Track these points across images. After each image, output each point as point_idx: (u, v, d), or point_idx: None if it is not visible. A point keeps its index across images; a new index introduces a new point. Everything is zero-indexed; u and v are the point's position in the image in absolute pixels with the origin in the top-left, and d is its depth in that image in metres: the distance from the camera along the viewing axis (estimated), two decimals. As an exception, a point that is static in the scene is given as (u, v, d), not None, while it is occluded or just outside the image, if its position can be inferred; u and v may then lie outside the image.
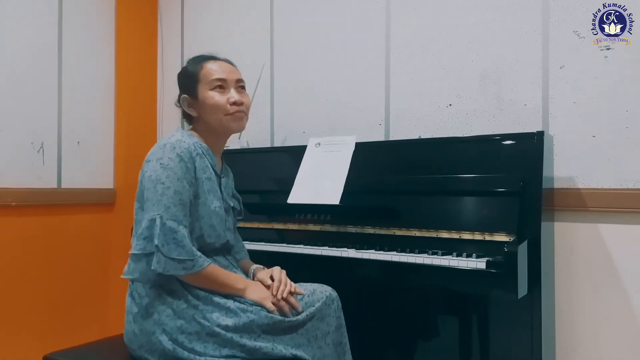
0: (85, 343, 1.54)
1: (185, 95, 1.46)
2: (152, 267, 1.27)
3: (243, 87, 1.50)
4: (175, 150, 1.33)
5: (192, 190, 1.35)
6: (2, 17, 2.21)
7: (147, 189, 1.32)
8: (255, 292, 1.36)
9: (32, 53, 2.31)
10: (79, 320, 2.47)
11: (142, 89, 2.78)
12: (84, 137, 2.52)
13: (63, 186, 2.43)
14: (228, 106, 1.42)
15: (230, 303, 1.32)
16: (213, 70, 1.44)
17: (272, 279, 1.42)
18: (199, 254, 1.31)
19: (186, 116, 1.51)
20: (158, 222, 1.27)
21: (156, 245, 1.26)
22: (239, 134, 2.30)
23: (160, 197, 1.29)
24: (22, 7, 2.28)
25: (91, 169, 2.55)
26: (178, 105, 1.50)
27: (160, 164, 1.32)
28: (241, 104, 1.44)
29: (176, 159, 1.32)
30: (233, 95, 1.43)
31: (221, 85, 1.43)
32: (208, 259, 1.33)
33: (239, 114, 1.45)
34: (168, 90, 2.77)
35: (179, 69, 1.55)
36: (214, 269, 1.34)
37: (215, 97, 1.42)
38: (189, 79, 1.46)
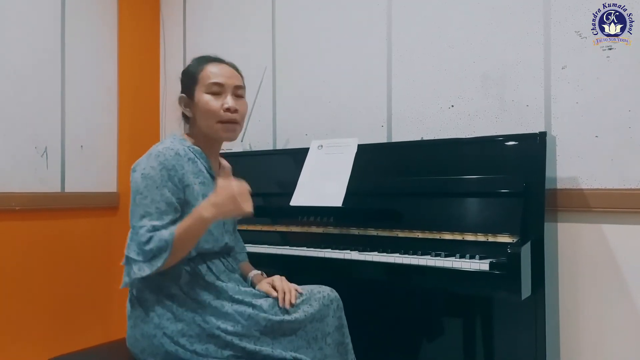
0: (88, 347, 1.54)
1: (183, 95, 1.45)
2: (133, 276, 1.26)
3: (242, 95, 1.45)
4: (158, 158, 1.31)
5: (180, 196, 1.31)
6: (5, 22, 2.22)
7: (130, 201, 1.33)
8: (218, 204, 1.26)
9: (35, 58, 2.33)
10: (82, 324, 2.48)
11: (145, 93, 2.79)
12: (88, 141, 2.53)
13: (67, 190, 2.44)
14: (221, 112, 1.38)
15: (228, 307, 1.32)
16: (212, 73, 1.41)
17: (275, 289, 1.41)
18: (164, 241, 1.23)
19: (184, 116, 1.49)
20: (130, 233, 1.29)
21: (127, 257, 1.27)
22: (241, 135, 2.31)
23: (136, 207, 1.29)
24: (26, 12, 2.29)
25: (95, 173, 2.56)
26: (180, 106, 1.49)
27: (142, 174, 1.31)
28: (235, 111, 1.40)
29: (158, 167, 1.30)
30: (228, 101, 1.39)
31: (218, 91, 1.40)
32: (166, 236, 1.24)
33: (231, 124, 1.41)
34: (170, 94, 2.78)
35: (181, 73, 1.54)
36: (178, 235, 1.25)
37: (210, 101, 1.39)
38: (189, 79, 1.44)
